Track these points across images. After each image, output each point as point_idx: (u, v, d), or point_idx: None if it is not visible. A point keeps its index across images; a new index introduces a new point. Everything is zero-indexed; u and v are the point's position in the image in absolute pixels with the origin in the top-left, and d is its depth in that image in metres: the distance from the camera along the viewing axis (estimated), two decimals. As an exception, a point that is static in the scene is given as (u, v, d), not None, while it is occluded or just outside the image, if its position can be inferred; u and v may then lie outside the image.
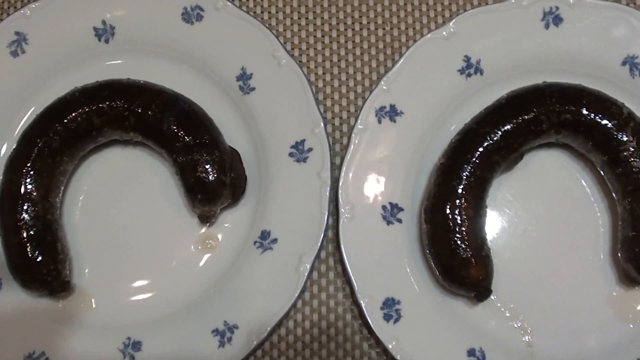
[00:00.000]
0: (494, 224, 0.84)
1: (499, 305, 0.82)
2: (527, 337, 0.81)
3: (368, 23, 0.89)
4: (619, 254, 0.80)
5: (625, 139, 0.78)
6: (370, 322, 0.78)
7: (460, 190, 0.78)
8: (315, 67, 0.88)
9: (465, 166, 0.78)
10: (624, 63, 0.85)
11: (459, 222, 0.77)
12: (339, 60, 0.88)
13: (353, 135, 0.81)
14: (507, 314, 0.82)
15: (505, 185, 0.84)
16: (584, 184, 0.85)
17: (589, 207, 0.84)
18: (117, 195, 0.86)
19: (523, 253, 0.83)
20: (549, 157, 0.85)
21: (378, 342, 0.80)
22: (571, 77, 0.84)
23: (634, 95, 0.85)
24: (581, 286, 0.82)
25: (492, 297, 0.82)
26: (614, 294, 0.82)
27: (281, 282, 0.80)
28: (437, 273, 0.79)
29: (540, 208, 0.84)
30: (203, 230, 0.85)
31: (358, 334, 0.83)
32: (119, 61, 0.89)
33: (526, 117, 0.79)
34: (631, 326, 0.81)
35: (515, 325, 0.81)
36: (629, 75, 0.85)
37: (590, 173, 0.85)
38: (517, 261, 0.83)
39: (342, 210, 0.80)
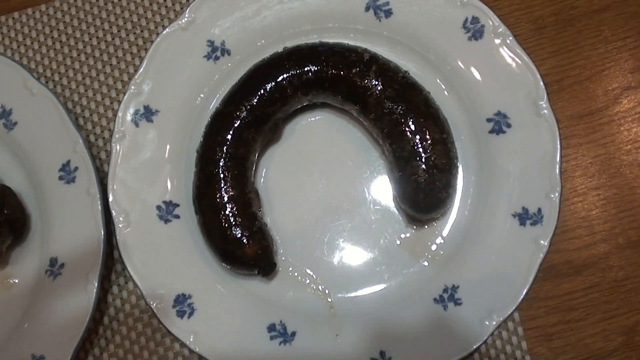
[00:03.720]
0: (273, 198, 0.83)
1: (296, 274, 0.82)
2: (328, 299, 0.81)
3: (119, 31, 0.89)
4: (396, 197, 0.80)
5: (370, 84, 0.78)
6: (163, 323, 0.78)
7: (219, 174, 0.78)
8: (77, 87, 0.89)
9: (219, 149, 0.78)
10: (367, 8, 0.84)
11: (224, 204, 0.77)
12: (97, 75, 0.89)
13: (112, 144, 0.81)
14: (306, 281, 0.81)
15: (276, 156, 0.84)
16: (356, 136, 0.85)
17: (366, 157, 0.84)
18: None
19: (310, 219, 0.83)
20: (314, 118, 0.85)
21: (188, 340, 0.80)
22: (319, 35, 0.84)
23: (385, 37, 0.84)
24: (374, 236, 0.82)
25: (289, 268, 0.82)
26: (406, 236, 0.82)
27: (75, 304, 0.80)
28: (218, 258, 0.79)
29: (318, 170, 0.84)
30: (1, 270, 0.85)
31: (168, 336, 0.83)
32: None
33: (267, 86, 0.79)
34: (426, 264, 0.80)
35: (314, 290, 0.81)
36: (376, 19, 0.84)
37: (358, 124, 0.84)
38: (306, 228, 0.83)
39: (116, 219, 0.80)
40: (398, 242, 0.82)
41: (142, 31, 0.89)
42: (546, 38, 0.87)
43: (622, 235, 0.83)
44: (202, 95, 0.84)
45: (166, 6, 0.89)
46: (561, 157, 0.79)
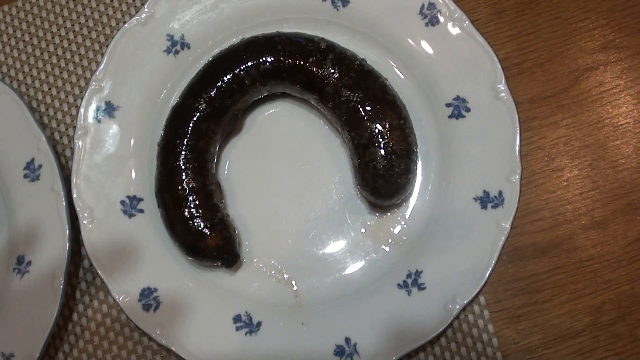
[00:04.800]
0: (236, 190, 0.84)
1: (260, 265, 0.82)
2: (293, 288, 0.81)
3: (81, 29, 0.90)
4: (356, 184, 0.80)
5: (326, 72, 0.78)
6: (129, 316, 0.78)
7: (180, 166, 0.78)
8: (40, 85, 0.89)
9: (179, 142, 0.79)
10: (324, -2, 0.85)
11: (186, 196, 0.78)
12: (60, 73, 0.89)
13: (75, 140, 0.82)
14: (271, 271, 0.82)
15: (238, 148, 0.85)
16: (317, 125, 0.85)
17: (328, 146, 0.85)
18: None
19: (273, 209, 0.83)
20: (275, 109, 0.86)
21: (156, 333, 0.81)
22: (278, 27, 0.84)
23: (343, 26, 0.85)
24: (337, 224, 0.83)
25: (253, 259, 0.82)
26: (369, 223, 0.82)
27: (42, 302, 0.80)
28: (182, 251, 0.79)
29: (280, 161, 0.84)
30: (-30, 270, 0.86)
31: (136, 331, 0.83)
32: None
33: (225, 78, 0.79)
34: (389, 250, 0.81)
35: (279, 280, 0.81)
36: (333, 9, 0.85)
37: (319, 114, 0.85)
38: (269, 219, 0.83)
39: (80, 216, 0.81)
40: (363, 230, 0.82)
41: (103, 28, 0.89)
42: (505, 22, 0.87)
43: (585, 216, 0.83)
44: (164, 90, 0.84)
45: (127, 2, 0.89)
46: (521, 139, 0.79)
